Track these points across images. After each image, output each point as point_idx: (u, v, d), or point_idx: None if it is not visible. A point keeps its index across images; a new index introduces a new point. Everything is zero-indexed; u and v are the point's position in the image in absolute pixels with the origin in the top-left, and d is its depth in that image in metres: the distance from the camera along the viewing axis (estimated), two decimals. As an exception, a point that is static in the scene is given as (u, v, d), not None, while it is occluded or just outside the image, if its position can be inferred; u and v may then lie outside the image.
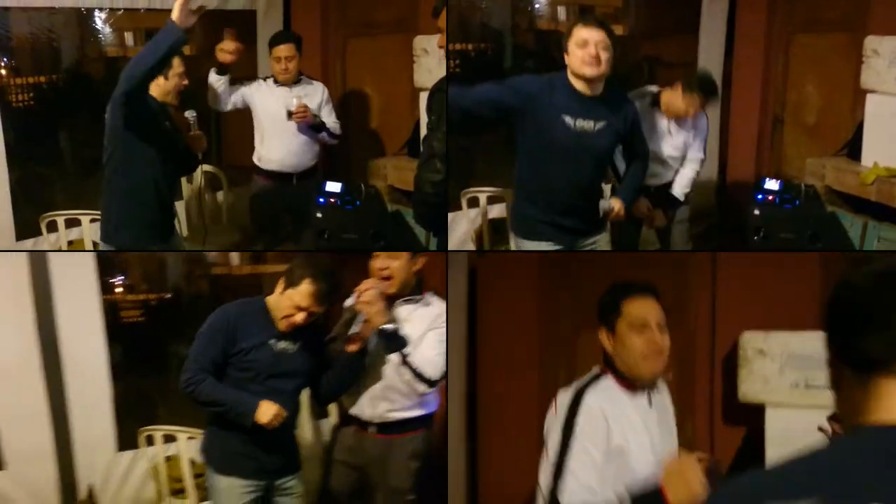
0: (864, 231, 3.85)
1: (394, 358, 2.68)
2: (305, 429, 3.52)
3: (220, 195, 4.42)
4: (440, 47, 3.29)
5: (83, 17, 4.18)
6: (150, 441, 3.29)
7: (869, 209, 3.84)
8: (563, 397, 2.04)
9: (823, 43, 4.41)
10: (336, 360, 2.73)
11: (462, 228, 4.06)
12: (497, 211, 4.00)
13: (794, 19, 4.55)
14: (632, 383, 2.06)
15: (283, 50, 3.80)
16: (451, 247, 3.84)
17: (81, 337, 3.37)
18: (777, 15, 4.56)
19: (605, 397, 2.00)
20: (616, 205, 3.00)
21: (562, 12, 4.35)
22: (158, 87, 3.16)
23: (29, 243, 3.93)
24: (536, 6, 4.29)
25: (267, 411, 2.55)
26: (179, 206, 3.80)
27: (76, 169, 4.20)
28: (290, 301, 2.55)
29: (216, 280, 4.00)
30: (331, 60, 4.66)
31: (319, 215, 3.80)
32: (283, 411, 2.58)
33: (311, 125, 3.81)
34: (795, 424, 2.96)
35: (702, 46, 4.40)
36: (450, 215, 4.09)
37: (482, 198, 3.95)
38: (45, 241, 3.87)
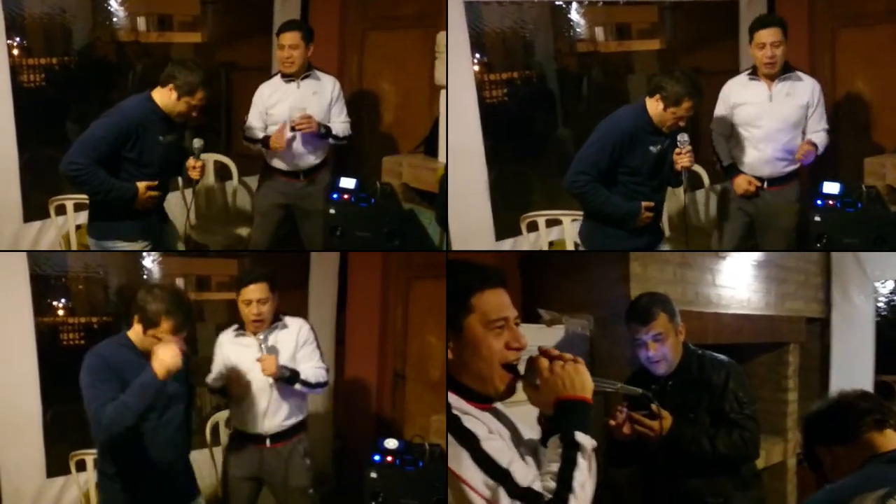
0: (932, 228, 3.80)
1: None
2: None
3: (228, 185, 4.34)
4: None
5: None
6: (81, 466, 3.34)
7: (934, 205, 3.80)
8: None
9: (870, 36, 4.35)
10: None
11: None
12: (555, 234, 4.04)
13: (837, 14, 4.50)
14: (483, 399, 1.64)
15: (288, 38, 3.67)
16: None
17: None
18: (818, 11, 4.51)
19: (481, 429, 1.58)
20: None
21: (600, 33, 4.37)
22: (165, 100, 3.10)
23: (37, 225, 3.89)
24: (577, 30, 4.32)
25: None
26: (187, 195, 3.62)
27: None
28: (154, 340, 2.57)
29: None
30: (348, 54, 4.52)
31: (333, 211, 3.70)
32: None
33: (316, 134, 3.71)
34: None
35: (742, 52, 4.37)
36: (511, 240, 4.13)
37: (541, 221, 3.99)
38: (53, 223, 3.84)
